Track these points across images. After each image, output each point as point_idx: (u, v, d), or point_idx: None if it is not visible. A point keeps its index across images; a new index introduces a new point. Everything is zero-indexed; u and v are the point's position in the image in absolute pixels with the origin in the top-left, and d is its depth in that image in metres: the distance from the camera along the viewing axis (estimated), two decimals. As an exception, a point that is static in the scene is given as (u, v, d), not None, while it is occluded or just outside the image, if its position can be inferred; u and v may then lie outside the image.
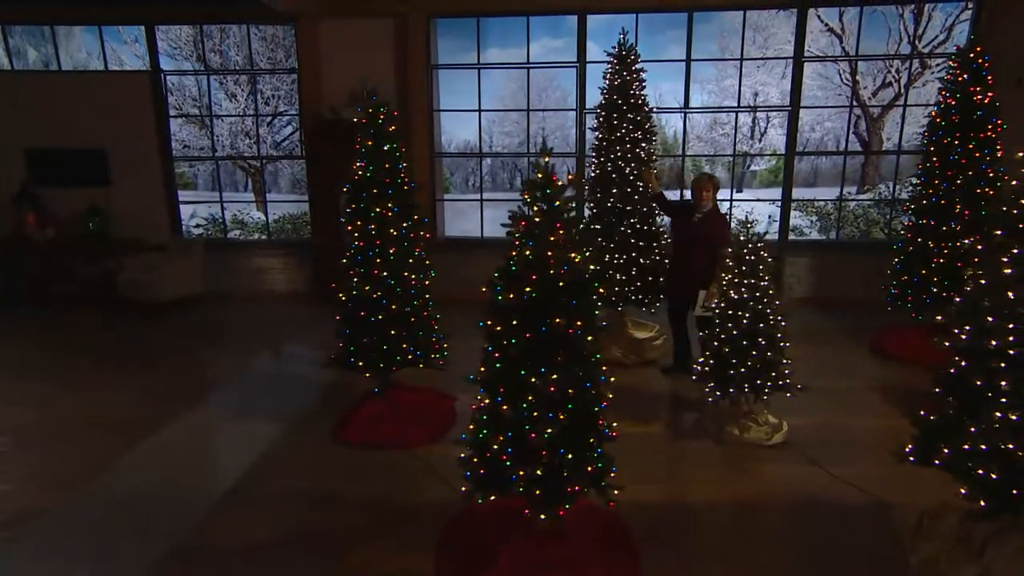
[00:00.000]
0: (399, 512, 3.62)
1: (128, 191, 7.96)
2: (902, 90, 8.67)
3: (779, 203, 7.70)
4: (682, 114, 7.86)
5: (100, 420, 4.80)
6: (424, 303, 4.51)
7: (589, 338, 2.77)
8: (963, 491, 2.80)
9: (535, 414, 2.73)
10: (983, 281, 2.72)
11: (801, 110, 7.56)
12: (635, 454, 4.18)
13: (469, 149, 10.52)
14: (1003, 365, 2.60)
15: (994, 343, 2.64)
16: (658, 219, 5.90)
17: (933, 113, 5.71)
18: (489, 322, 2.85)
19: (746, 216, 9.11)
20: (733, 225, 5.66)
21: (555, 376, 2.71)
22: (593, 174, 5.85)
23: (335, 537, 3.41)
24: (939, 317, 5.48)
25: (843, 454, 4.15)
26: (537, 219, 2.72)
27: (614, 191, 5.67)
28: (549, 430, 2.72)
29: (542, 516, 2.81)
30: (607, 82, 5.73)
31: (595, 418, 2.89)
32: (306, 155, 7.82)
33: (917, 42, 9.59)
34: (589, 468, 2.84)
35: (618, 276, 5.68)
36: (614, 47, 5.69)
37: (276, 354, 6.38)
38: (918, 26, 8.98)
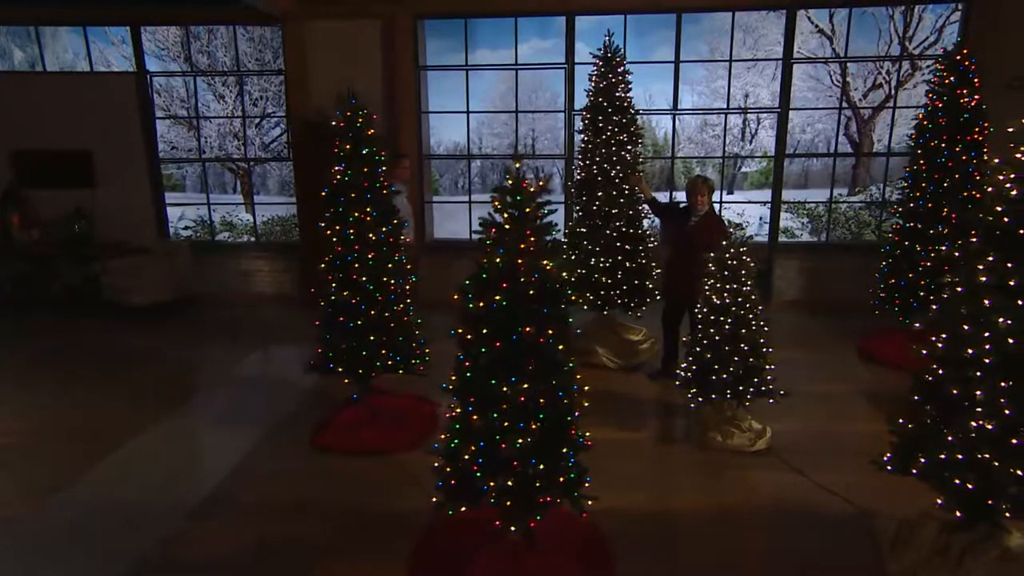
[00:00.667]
0: (374, 521, 3.57)
1: (114, 193, 7.89)
2: (892, 92, 8.63)
3: (769, 205, 7.67)
4: (672, 116, 7.83)
5: (73, 428, 4.73)
6: (405, 308, 4.47)
7: (560, 347, 2.72)
8: (940, 501, 2.76)
9: (506, 424, 2.69)
10: (959, 288, 2.68)
11: (791, 112, 7.53)
12: (617, 460, 4.15)
13: (458, 151, 10.47)
14: (979, 374, 2.56)
15: (970, 351, 2.61)
16: (645, 222, 5.87)
17: (920, 116, 5.68)
18: (460, 330, 2.81)
19: (729, 221, 9.08)
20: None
21: (526, 386, 2.66)
22: (579, 176, 5.81)
23: (306, 548, 3.36)
24: (916, 324, 5.46)
25: (826, 460, 4.11)
26: (507, 226, 2.67)
27: (599, 194, 5.63)
28: (520, 440, 2.67)
29: (512, 528, 2.76)
30: (592, 84, 5.70)
31: (568, 427, 2.84)
32: (293, 157, 7.76)
33: (907, 43, 9.56)
34: (561, 479, 2.79)
35: (604, 279, 5.64)
36: (599, 49, 5.65)
37: (260, 358, 6.32)
38: (908, 27, 8.97)
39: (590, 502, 2.91)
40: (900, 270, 5.73)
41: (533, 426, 2.70)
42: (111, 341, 6.64)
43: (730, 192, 12.98)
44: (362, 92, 4.44)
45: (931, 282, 5.46)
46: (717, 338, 4.17)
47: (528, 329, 2.64)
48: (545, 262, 2.72)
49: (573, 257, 5.79)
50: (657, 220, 5.77)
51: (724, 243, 4.21)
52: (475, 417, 2.73)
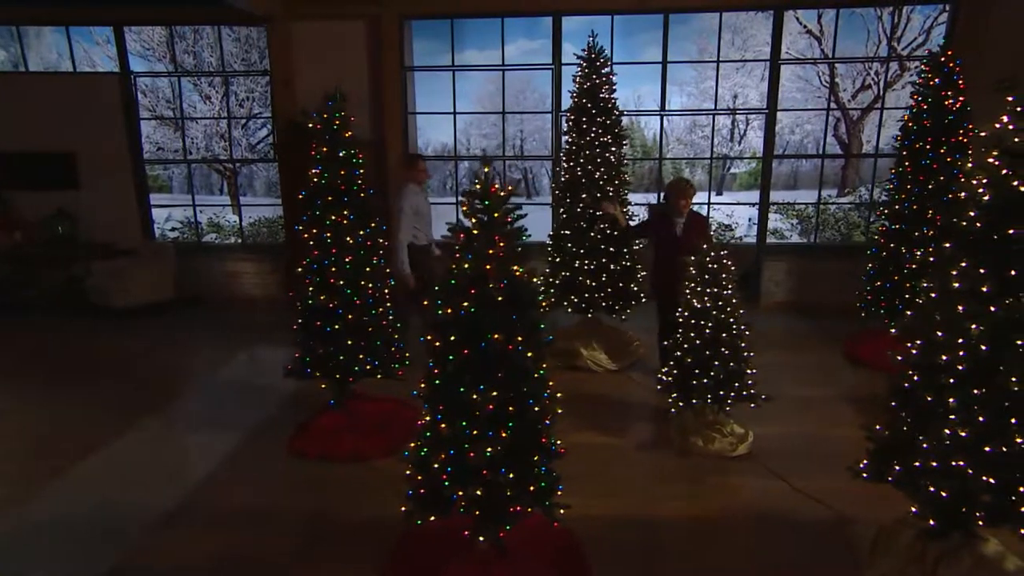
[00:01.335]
0: (349, 529, 3.52)
1: (98, 194, 7.83)
2: (881, 92, 8.61)
3: (757, 206, 7.64)
4: (660, 117, 7.79)
5: (50, 432, 4.67)
6: (384, 312, 4.42)
7: (530, 354, 2.67)
8: (914, 509, 2.73)
9: (474, 432, 2.65)
10: (933, 295, 2.65)
11: (779, 112, 7.51)
12: (597, 466, 4.12)
13: (446, 152, 10.42)
14: (952, 381, 2.53)
15: (944, 358, 2.57)
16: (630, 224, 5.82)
17: (906, 117, 5.65)
18: (429, 337, 2.77)
19: (719, 223, 9.04)
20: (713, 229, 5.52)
21: (495, 393, 2.62)
22: (563, 178, 5.77)
23: (278, 557, 3.31)
24: (892, 330, 5.44)
25: (808, 465, 4.08)
26: (475, 231, 2.62)
27: (584, 196, 5.59)
28: (489, 449, 2.63)
29: (480, 538, 2.72)
30: (576, 85, 5.66)
31: (539, 435, 2.80)
32: (279, 158, 7.70)
33: (896, 44, 9.55)
34: (532, 487, 2.75)
35: (588, 282, 5.60)
36: (583, 50, 5.62)
37: (243, 361, 6.26)
38: (896, 28, 8.95)
39: (563, 510, 2.87)
40: (886, 272, 5.70)
41: (503, 434, 2.66)
42: (92, 344, 6.57)
43: (719, 193, 12.97)
44: (348, 93, 4.41)
45: (916, 285, 5.44)
46: (698, 342, 4.14)
47: (497, 336, 2.59)
48: (515, 267, 2.68)
49: (557, 260, 5.76)
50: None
51: (706, 244, 4.18)
52: (443, 425, 2.68)
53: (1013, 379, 2.37)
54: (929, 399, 2.63)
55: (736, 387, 4.15)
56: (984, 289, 2.44)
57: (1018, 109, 2.39)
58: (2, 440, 4.60)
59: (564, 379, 5.48)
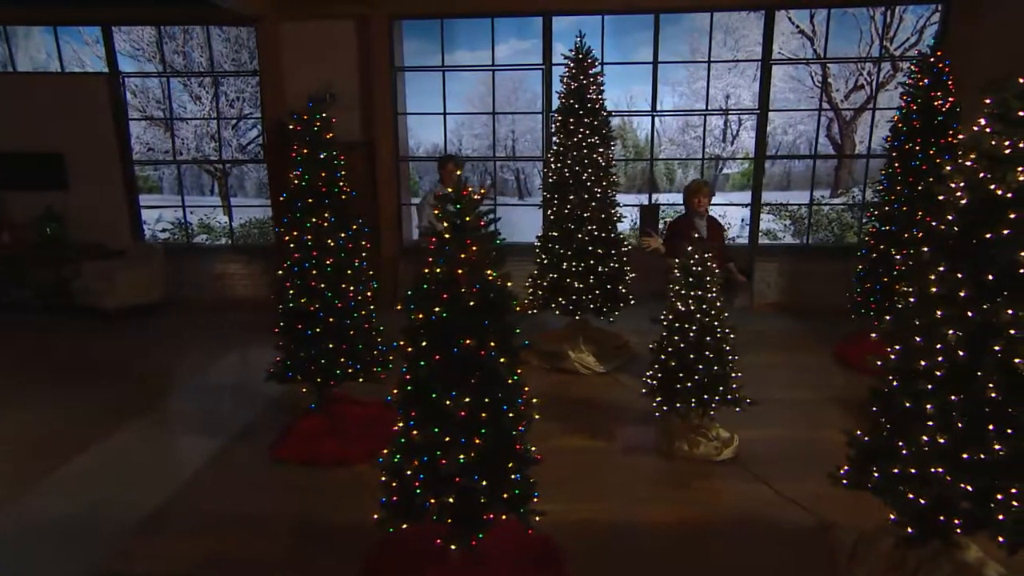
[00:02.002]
0: (328, 534, 3.49)
1: (87, 195, 7.79)
2: (873, 93, 8.58)
3: (749, 207, 7.61)
4: (651, 117, 7.75)
5: (32, 436, 4.63)
6: (366, 315, 4.38)
7: (503, 359, 2.64)
8: (892, 517, 2.69)
9: (447, 439, 2.61)
10: (912, 299, 2.61)
11: (771, 113, 7.47)
12: (581, 470, 4.09)
13: (437, 152, 10.39)
14: (930, 387, 2.49)
15: (923, 363, 2.54)
16: (618, 226, 5.80)
17: (895, 118, 5.62)
18: (402, 342, 2.73)
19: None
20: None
21: (467, 399, 2.59)
22: (551, 180, 5.73)
23: (256, 563, 3.28)
24: (872, 334, 5.40)
25: (792, 469, 4.04)
26: (447, 235, 2.59)
27: (571, 197, 5.56)
28: (462, 455, 2.60)
29: (452, 547, 2.68)
30: (564, 86, 5.62)
31: (513, 442, 2.76)
32: (268, 159, 7.66)
33: (888, 44, 9.51)
34: (506, 494, 2.71)
35: (576, 284, 5.56)
36: (571, 50, 5.58)
37: (229, 364, 6.22)
38: (888, 28, 8.91)
39: (538, 517, 2.84)
40: (875, 274, 5.67)
41: (476, 440, 2.62)
42: (80, 345, 6.54)
43: (712, 194, 12.92)
44: (338, 92, 4.38)
45: (904, 287, 5.40)
46: (682, 345, 4.10)
47: (468, 341, 2.56)
48: (489, 272, 2.64)
49: (545, 261, 5.72)
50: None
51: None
52: (415, 432, 2.64)
53: (990, 385, 2.33)
54: (908, 405, 2.59)
55: (720, 391, 4.11)
56: (962, 294, 2.41)
57: (995, 112, 2.35)
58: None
59: (551, 381, 5.46)
